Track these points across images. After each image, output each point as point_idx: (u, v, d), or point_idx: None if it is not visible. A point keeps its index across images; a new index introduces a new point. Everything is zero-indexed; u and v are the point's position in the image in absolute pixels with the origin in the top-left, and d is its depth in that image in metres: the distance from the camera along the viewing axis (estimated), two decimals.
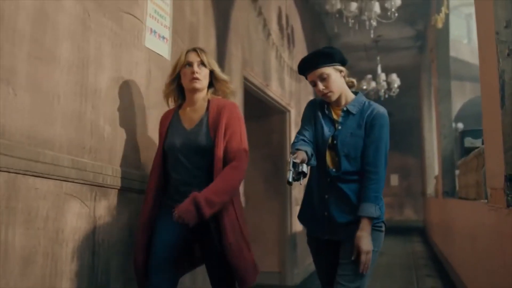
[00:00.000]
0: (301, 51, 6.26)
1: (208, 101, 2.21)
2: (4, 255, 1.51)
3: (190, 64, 2.16)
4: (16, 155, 1.56)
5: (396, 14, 5.47)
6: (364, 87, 9.48)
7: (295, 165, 1.81)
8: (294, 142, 2.08)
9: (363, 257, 1.95)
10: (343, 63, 2.11)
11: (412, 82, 11.51)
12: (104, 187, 2.04)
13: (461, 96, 12.71)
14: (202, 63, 2.17)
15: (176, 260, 2.12)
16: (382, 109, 2.10)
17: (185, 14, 2.97)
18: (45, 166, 1.68)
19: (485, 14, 2.64)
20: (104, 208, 2.06)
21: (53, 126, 1.78)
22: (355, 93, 2.18)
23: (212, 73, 2.23)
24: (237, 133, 2.13)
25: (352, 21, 5.63)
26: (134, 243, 2.14)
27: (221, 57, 3.54)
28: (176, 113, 2.25)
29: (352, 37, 8.00)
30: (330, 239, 2.11)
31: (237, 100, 3.81)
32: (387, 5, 5.28)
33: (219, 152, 2.08)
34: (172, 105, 2.31)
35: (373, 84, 9.41)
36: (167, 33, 2.72)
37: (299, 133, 2.15)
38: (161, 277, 2.03)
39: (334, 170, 2.08)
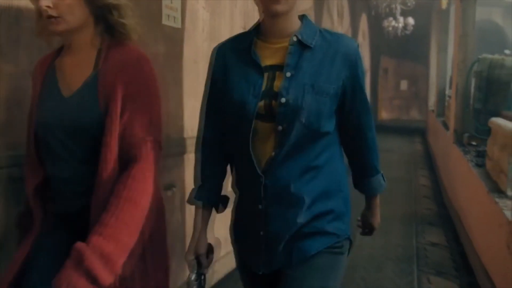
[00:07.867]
0: (347, 19, 9.21)
1: (100, 50, 1.35)
2: None
3: None
4: None
5: (414, 2, 8.33)
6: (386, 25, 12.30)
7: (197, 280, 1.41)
8: (201, 164, 1.42)
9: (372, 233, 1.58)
10: None
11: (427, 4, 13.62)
12: None
13: None
14: None
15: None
16: (354, 42, 1.37)
17: None
18: None
19: None
20: None
21: None
22: (300, 17, 1.34)
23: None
24: (142, 110, 1.31)
25: (384, 5, 8.52)
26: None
27: None
28: (52, 65, 1.41)
29: None
30: (267, 272, 1.36)
31: None
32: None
33: (110, 140, 1.28)
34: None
35: (393, 23, 12.18)
36: None
37: (206, 126, 1.42)
38: None
39: (274, 155, 1.26)
